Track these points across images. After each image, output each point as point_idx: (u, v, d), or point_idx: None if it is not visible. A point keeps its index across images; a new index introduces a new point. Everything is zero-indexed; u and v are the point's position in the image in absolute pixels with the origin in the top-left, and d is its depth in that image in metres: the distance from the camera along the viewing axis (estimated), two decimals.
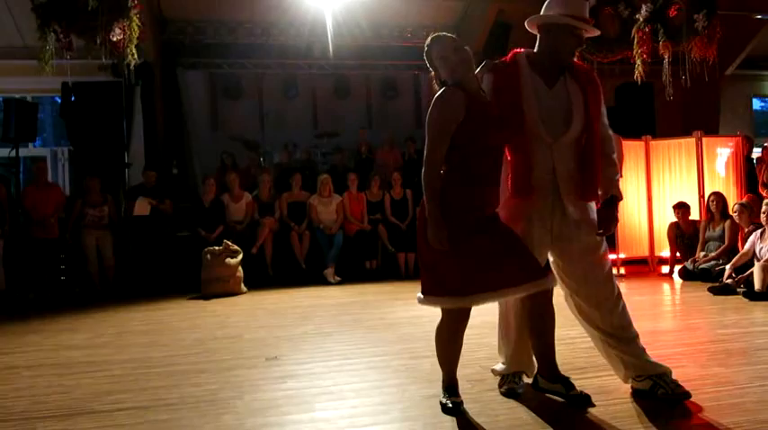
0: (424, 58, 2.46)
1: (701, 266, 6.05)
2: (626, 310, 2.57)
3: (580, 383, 2.63)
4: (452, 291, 2.32)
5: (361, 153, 9.26)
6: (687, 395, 2.44)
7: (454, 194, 2.32)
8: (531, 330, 2.55)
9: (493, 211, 2.42)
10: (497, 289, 2.30)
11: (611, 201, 2.55)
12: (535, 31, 2.60)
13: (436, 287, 2.37)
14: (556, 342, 3.55)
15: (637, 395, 2.54)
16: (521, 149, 2.47)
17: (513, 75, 2.50)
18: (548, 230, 2.50)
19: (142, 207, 7.00)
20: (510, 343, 2.70)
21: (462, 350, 3.38)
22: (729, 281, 5.34)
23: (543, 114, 2.45)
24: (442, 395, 2.49)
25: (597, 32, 2.58)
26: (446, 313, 2.43)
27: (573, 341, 3.44)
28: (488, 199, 2.39)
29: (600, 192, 2.56)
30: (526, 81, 2.49)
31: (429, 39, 2.45)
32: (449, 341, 2.47)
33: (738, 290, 5.19)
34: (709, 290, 5.30)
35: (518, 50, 2.60)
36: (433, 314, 4.94)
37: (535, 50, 2.59)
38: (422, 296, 2.43)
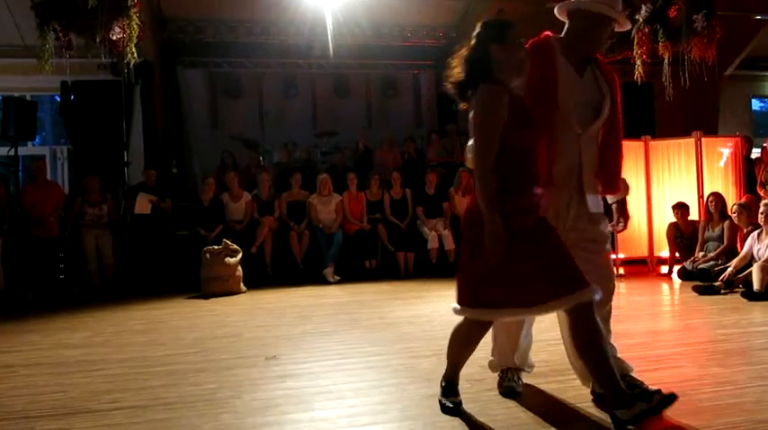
0: (484, 33, 2.28)
1: (699, 266, 6.05)
2: (611, 311, 2.60)
3: (577, 383, 2.63)
4: (495, 304, 2.22)
5: (359, 148, 9.24)
6: (659, 393, 2.44)
7: (504, 200, 2.18)
8: (579, 348, 2.26)
9: (541, 214, 2.30)
10: (543, 302, 2.17)
11: (624, 200, 2.61)
12: (564, 18, 2.52)
13: (477, 298, 2.27)
14: (553, 343, 3.56)
15: (601, 399, 2.46)
16: (546, 139, 2.40)
17: (548, 60, 2.41)
18: (562, 222, 2.46)
19: (143, 205, 7.00)
20: (511, 335, 2.65)
21: None
22: (717, 284, 5.35)
23: (577, 104, 2.41)
24: (441, 393, 2.48)
25: (629, 26, 2.53)
26: (473, 321, 2.35)
27: None
28: (536, 201, 2.27)
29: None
30: (560, 68, 2.42)
31: (503, 20, 2.33)
32: (465, 346, 2.43)
33: (723, 291, 5.24)
34: (694, 289, 5.34)
35: (548, 33, 2.52)
36: (433, 314, 4.93)
37: (563, 37, 2.51)
38: (458, 307, 2.32)
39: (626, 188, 2.64)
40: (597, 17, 2.42)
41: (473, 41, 2.30)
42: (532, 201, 2.26)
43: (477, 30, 2.30)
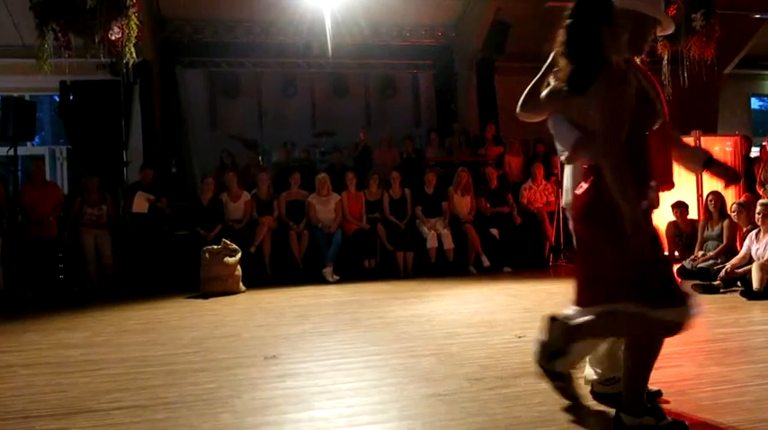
0: (589, 15, 2.11)
1: (699, 265, 6.06)
2: None
3: (578, 382, 2.63)
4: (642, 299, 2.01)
5: (360, 141, 9.21)
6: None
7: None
8: (630, 347, 2.17)
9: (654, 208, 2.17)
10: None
11: (709, 159, 2.40)
12: None
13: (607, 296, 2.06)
14: None
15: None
16: None
17: None
18: None
19: (141, 203, 7.00)
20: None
21: (461, 349, 3.40)
22: (717, 283, 5.36)
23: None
24: (652, 420, 2.12)
25: (672, 29, 2.39)
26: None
27: None
28: (652, 195, 2.14)
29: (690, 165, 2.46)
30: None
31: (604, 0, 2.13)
32: (652, 351, 2.15)
33: (722, 290, 5.26)
34: (693, 288, 5.34)
35: None
36: (432, 313, 4.94)
37: None
38: (585, 308, 2.12)
39: (704, 152, 2.47)
40: (639, 18, 2.29)
41: (573, 24, 2.13)
42: (649, 194, 2.12)
43: (576, 11, 2.14)
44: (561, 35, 2.19)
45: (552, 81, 2.42)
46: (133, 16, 5.82)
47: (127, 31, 5.77)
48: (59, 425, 2.46)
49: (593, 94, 2.07)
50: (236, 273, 6.21)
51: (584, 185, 2.14)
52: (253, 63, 9.89)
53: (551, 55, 2.43)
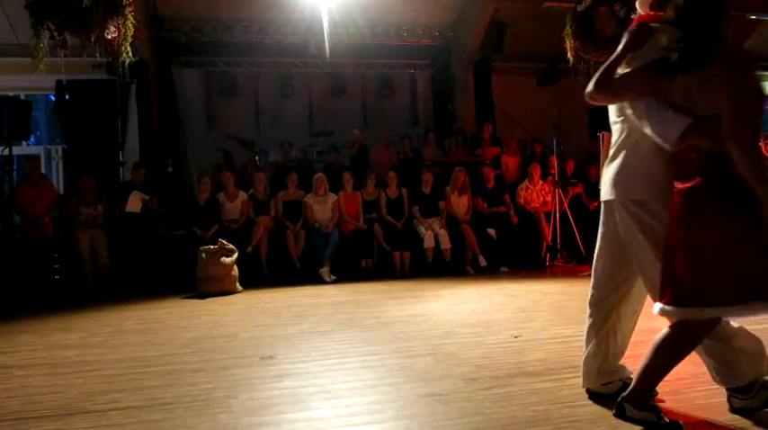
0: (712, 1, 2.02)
1: None
2: None
3: (574, 381, 2.64)
4: (724, 300, 1.97)
5: (353, 143, 9.20)
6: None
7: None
8: (663, 342, 2.15)
9: None
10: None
11: None
12: (646, 9, 2.31)
13: (705, 296, 1.99)
14: (548, 342, 3.57)
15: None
16: None
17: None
18: None
19: (134, 203, 6.98)
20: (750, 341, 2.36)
21: (457, 349, 3.41)
22: None
23: None
24: (653, 416, 2.14)
25: None
26: (697, 325, 2.07)
27: (568, 340, 3.45)
28: None
29: None
30: None
31: None
32: (681, 356, 2.15)
33: None
34: None
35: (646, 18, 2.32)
36: (428, 313, 4.94)
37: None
38: (679, 309, 2.03)
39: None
40: None
41: (692, 6, 2.03)
42: None
43: None
44: (668, 12, 2.06)
45: (623, 67, 2.22)
46: (129, 15, 5.81)
47: (123, 31, 5.76)
48: (55, 426, 2.46)
49: (715, 76, 1.97)
50: (233, 273, 6.20)
51: (695, 178, 2.00)
52: (250, 62, 9.88)
53: (626, 35, 2.25)
